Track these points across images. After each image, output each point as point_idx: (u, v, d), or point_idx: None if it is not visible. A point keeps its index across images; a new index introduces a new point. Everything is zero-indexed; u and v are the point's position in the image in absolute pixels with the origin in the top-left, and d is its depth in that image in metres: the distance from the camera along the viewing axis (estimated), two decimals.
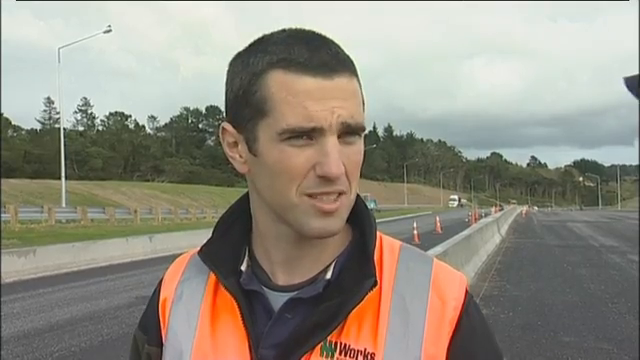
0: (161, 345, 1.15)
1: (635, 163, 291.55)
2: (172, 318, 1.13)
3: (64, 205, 46.02)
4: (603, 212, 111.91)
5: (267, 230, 1.08)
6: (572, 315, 11.22)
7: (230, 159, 1.06)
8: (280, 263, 1.08)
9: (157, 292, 1.20)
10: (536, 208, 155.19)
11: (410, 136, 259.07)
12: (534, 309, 11.76)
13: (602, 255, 23.40)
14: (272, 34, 1.01)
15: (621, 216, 77.06)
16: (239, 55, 1.03)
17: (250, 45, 1.03)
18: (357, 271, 1.03)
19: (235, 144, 1.04)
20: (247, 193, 1.13)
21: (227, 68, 1.05)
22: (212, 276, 1.12)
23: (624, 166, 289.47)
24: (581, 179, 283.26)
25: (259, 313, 1.05)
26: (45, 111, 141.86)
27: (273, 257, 1.09)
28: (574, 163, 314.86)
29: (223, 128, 1.05)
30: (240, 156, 1.03)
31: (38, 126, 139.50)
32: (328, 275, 1.05)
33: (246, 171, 1.03)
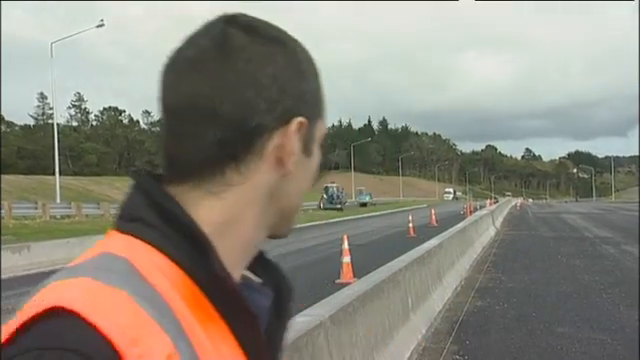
0: None
1: (628, 154, 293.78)
2: None
3: (58, 201, 46.11)
4: (597, 204, 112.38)
5: None
6: (566, 306, 11.29)
7: None
8: None
9: None
10: (531, 200, 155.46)
11: (405, 129, 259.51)
12: (529, 300, 11.82)
13: (596, 246, 23.54)
14: None
15: (615, 207, 77.48)
16: None
17: None
18: None
19: None
20: None
21: None
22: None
23: (618, 157, 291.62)
24: (575, 171, 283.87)
25: None
26: (38, 106, 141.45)
27: None
28: (568, 155, 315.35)
29: None
30: None
31: (31, 122, 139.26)
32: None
33: None
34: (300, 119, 0.89)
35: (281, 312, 0.98)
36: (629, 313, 10.46)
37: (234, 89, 0.86)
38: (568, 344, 8.49)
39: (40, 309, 0.70)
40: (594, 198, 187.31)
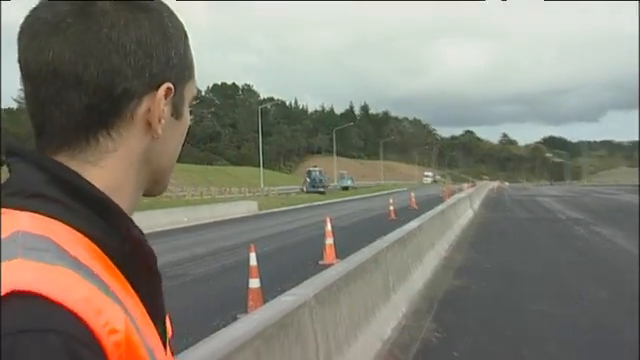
0: None
1: (600, 139, 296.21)
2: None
3: None
4: (570, 187, 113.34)
5: None
6: (540, 284, 11.48)
7: None
8: None
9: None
10: (507, 184, 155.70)
11: (386, 114, 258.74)
12: (504, 279, 12.00)
13: (568, 227, 23.79)
14: None
15: (588, 190, 78.16)
16: None
17: None
18: None
19: None
20: None
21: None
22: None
23: (590, 142, 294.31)
24: (549, 155, 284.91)
25: None
26: (21, 90, 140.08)
27: None
28: (543, 140, 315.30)
29: None
30: None
31: (14, 105, 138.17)
32: None
33: None
34: (168, 84, 0.88)
35: None
36: (598, 291, 10.67)
37: (98, 55, 0.82)
38: (542, 321, 8.60)
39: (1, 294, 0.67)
40: (567, 181, 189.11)
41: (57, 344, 0.66)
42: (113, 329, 0.70)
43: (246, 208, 37.78)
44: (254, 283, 9.14)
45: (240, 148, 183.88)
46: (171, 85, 0.88)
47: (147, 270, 0.86)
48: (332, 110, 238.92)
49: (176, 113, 0.91)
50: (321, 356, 5.19)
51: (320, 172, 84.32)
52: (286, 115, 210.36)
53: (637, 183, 78.82)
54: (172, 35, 0.90)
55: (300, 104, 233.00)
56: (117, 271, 0.81)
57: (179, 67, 0.91)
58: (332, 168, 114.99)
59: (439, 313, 8.99)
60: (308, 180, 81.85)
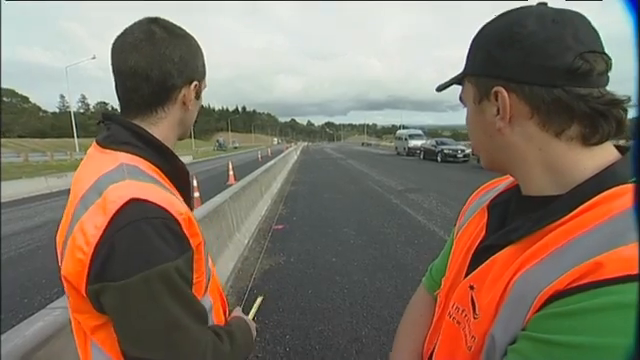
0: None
1: (347, 122, 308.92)
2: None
3: (77, 150, 39.64)
4: (336, 144, 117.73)
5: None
6: (326, 185, 11.55)
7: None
8: None
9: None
10: (311, 144, 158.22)
11: (254, 111, 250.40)
12: (312, 186, 11.93)
13: (338, 161, 24.48)
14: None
15: (342, 145, 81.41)
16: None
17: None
18: None
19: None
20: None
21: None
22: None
23: (344, 125, 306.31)
24: (328, 130, 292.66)
25: None
26: (60, 102, 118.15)
27: None
28: (325, 123, 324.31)
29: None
30: None
31: (57, 110, 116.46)
32: None
33: None
34: (195, 82, 0.79)
35: None
36: (347, 185, 11.00)
37: (159, 63, 0.73)
38: (329, 200, 8.76)
39: (124, 200, 0.63)
40: (335, 141, 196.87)
41: (159, 223, 0.64)
42: (180, 212, 0.67)
43: (187, 159, 35.07)
44: (196, 195, 8.57)
45: None
46: (197, 82, 0.79)
47: (185, 181, 0.79)
48: (227, 109, 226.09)
49: (197, 96, 0.81)
50: (235, 224, 5.07)
51: (223, 140, 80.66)
52: (203, 112, 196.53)
53: (361, 142, 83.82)
54: (197, 53, 0.79)
55: (211, 106, 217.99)
56: (170, 182, 0.76)
57: (200, 72, 0.80)
58: (229, 138, 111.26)
59: (286, 201, 8.93)
60: (217, 144, 77.87)
